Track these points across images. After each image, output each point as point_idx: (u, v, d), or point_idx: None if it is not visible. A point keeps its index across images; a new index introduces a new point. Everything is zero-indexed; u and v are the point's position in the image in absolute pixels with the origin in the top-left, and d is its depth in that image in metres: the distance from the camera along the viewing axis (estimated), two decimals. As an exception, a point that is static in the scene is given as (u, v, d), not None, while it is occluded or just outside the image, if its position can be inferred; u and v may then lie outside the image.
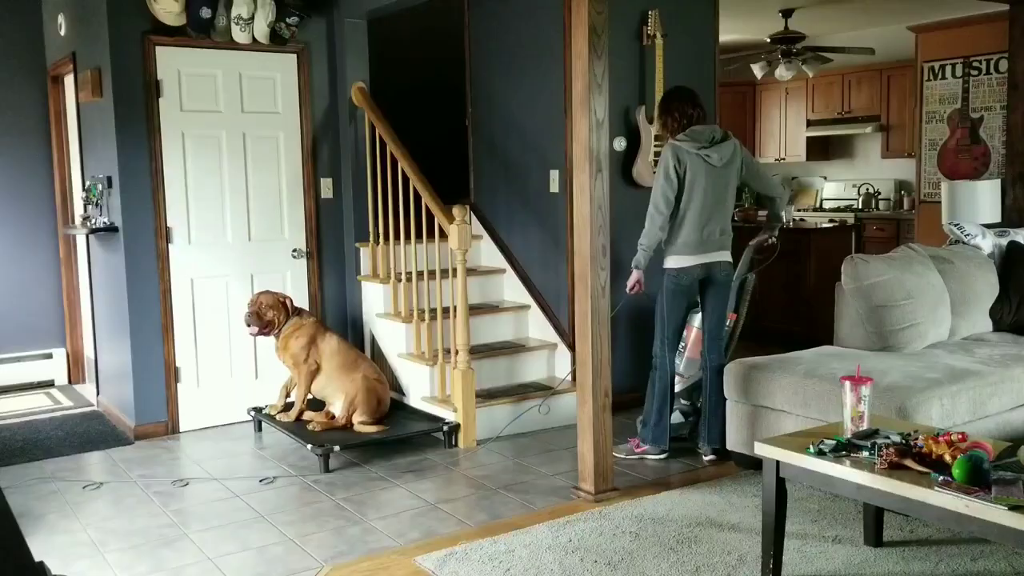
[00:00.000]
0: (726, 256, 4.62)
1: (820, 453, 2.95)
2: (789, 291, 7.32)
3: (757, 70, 8.74)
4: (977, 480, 2.59)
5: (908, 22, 8.26)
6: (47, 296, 6.67)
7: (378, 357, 5.80)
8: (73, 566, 3.57)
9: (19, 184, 6.53)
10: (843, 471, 2.88)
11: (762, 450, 3.13)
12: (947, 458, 2.73)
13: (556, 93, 5.51)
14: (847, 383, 3.09)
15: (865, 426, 3.07)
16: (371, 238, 5.83)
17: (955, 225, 5.41)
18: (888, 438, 2.95)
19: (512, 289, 6.04)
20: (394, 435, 4.96)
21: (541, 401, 5.27)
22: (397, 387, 5.60)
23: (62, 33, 6.05)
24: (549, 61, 5.56)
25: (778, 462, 3.08)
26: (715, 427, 4.61)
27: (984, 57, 7.33)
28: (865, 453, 2.91)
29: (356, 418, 5.00)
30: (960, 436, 2.87)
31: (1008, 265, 5.10)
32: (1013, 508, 2.45)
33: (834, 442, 2.99)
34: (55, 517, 4.09)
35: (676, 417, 4.87)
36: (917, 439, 2.90)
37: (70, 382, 6.73)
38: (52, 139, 6.58)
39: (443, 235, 5.18)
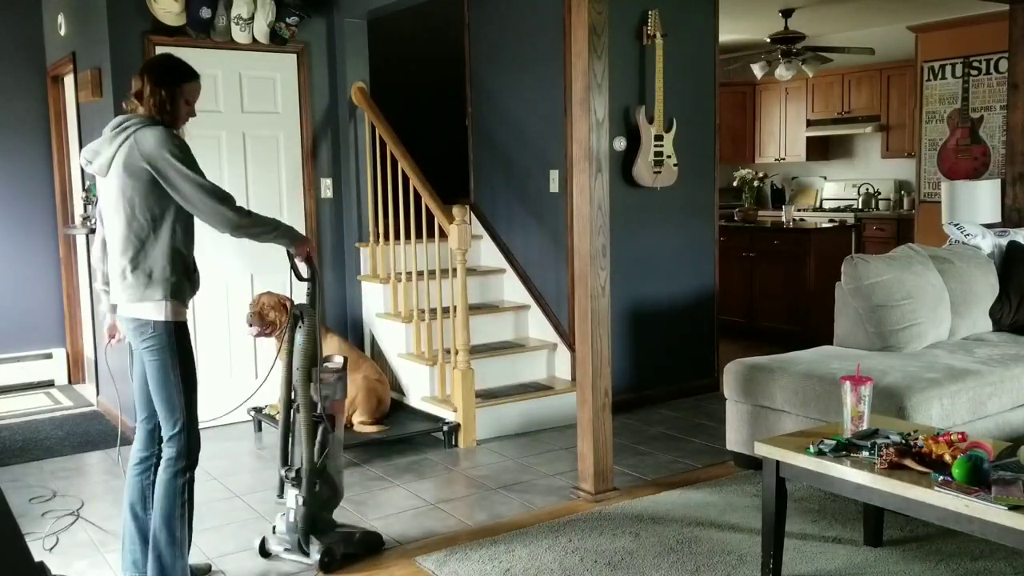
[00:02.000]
0: (132, 309, 3.11)
1: (820, 453, 2.95)
2: (789, 291, 7.32)
3: (757, 70, 8.74)
4: (977, 480, 2.59)
5: (908, 22, 8.27)
6: (47, 296, 6.67)
7: (378, 357, 5.79)
8: (73, 566, 3.57)
9: (19, 184, 6.53)
10: (843, 471, 2.87)
11: (762, 450, 3.12)
12: (947, 458, 2.72)
13: (556, 93, 5.51)
14: (847, 383, 3.08)
15: (865, 426, 3.07)
16: (371, 238, 5.83)
17: (955, 225, 5.41)
18: (888, 438, 2.96)
19: (512, 289, 6.04)
20: (394, 435, 4.96)
21: None
22: (397, 387, 5.60)
23: (62, 33, 6.05)
24: (549, 61, 5.56)
25: (778, 462, 3.08)
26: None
27: (984, 57, 7.34)
28: (865, 453, 2.91)
29: (356, 418, 5.00)
30: (960, 436, 2.87)
31: (1008, 265, 5.10)
32: (1013, 508, 2.45)
33: (834, 442, 2.99)
34: (55, 517, 4.09)
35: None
36: (917, 439, 2.90)
37: (70, 382, 6.72)
38: (52, 139, 6.58)
39: (443, 235, 5.18)
